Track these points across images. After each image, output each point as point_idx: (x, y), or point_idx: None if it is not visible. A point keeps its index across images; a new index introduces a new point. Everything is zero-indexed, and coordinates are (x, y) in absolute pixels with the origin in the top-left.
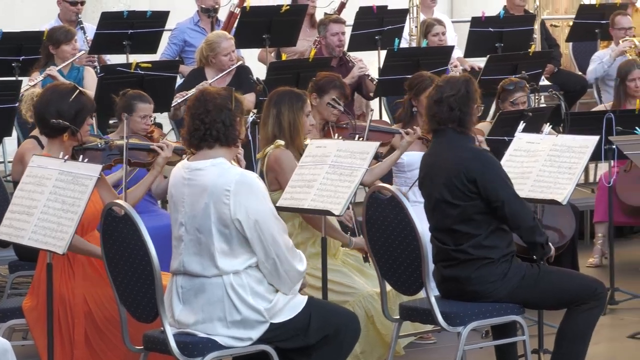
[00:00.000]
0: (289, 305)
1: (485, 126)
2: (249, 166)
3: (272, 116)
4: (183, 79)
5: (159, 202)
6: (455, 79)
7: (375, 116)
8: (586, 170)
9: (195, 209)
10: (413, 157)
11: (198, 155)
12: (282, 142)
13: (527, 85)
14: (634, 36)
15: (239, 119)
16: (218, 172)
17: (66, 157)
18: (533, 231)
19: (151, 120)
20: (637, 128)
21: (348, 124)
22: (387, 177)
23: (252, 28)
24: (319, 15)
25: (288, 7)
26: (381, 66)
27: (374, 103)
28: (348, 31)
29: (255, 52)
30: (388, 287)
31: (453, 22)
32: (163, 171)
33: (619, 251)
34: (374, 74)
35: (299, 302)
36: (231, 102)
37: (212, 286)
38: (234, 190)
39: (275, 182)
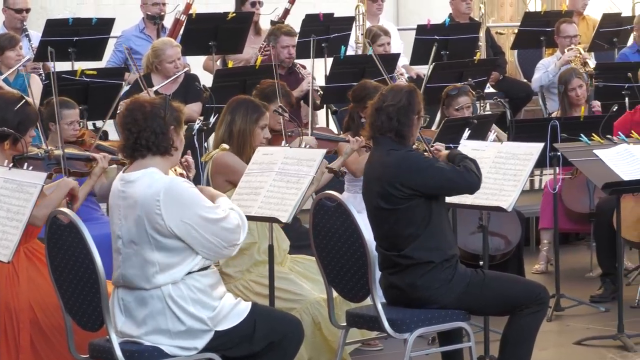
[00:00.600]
0: (233, 312)
1: (430, 135)
2: (196, 173)
3: (225, 123)
4: (129, 85)
5: (102, 208)
6: (399, 88)
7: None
8: (531, 176)
9: (130, 222)
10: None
11: (133, 165)
12: (226, 146)
13: (472, 92)
14: (579, 44)
15: (173, 127)
16: (148, 182)
17: (10, 165)
18: (479, 180)
19: (80, 125)
20: (582, 135)
21: (294, 131)
22: (340, 185)
23: (198, 35)
24: (263, 23)
25: (234, 14)
26: (328, 74)
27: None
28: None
29: (202, 59)
30: (335, 294)
31: (399, 29)
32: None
33: (564, 258)
34: (321, 82)
35: (243, 309)
36: (164, 111)
37: (152, 299)
38: (163, 200)
39: (225, 184)
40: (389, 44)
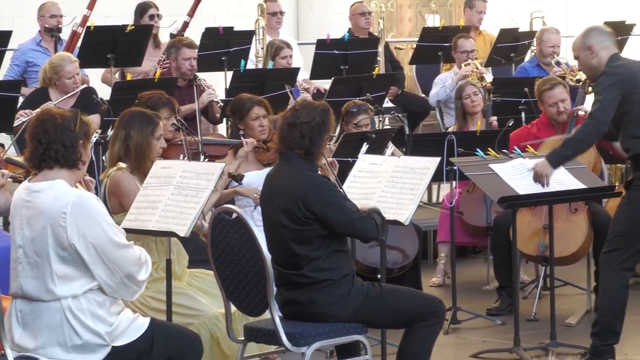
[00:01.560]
0: (131, 328)
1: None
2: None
3: (120, 138)
4: (25, 98)
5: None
6: (313, 106)
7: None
8: (429, 190)
9: (33, 232)
10: (251, 177)
11: (39, 176)
12: (123, 165)
13: (371, 107)
14: (476, 59)
15: (82, 141)
16: (55, 194)
17: None
18: (377, 233)
19: None
20: (478, 149)
21: (181, 140)
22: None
23: (97, 48)
24: (162, 36)
25: (133, 27)
26: (228, 87)
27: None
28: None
29: (100, 71)
30: (233, 308)
31: (299, 44)
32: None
33: (461, 271)
34: (221, 95)
35: (142, 324)
36: (74, 124)
37: (51, 310)
38: (70, 213)
39: (118, 205)
40: (291, 56)
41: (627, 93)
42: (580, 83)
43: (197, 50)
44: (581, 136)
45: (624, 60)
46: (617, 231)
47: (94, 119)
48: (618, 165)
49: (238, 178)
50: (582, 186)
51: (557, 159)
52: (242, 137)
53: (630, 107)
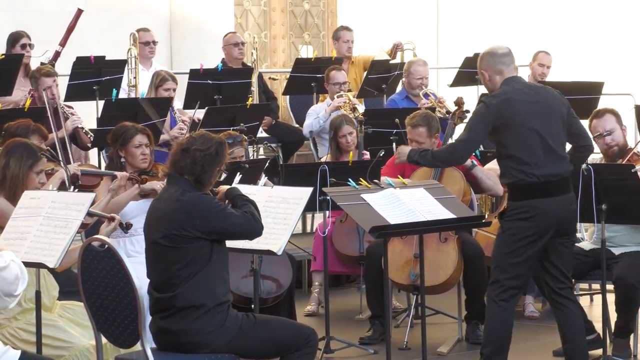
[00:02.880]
0: None
1: None
2: None
3: (0, 165)
4: None
5: None
6: (210, 137)
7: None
8: (303, 220)
9: None
10: (129, 207)
11: None
12: None
13: (245, 138)
14: (349, 90)
15: None
16: None
17: None
18: (259, 231)
19: None
20: (350, 180)
21: (52, 169)
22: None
23: None
24: (34, 65)
25: (3, 56)
26: (99, 116)
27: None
28: (65, 81)
29: None
30: (104, 340)
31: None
32: None
33: (335, 300)
34: (93, 125)
35: (12, 356)
36: None
37: None
38: None
39: None
40: (174, 90)
41: (504, 123)
42: (450, 114)
43: (56, 78)
44: (440, 155)
45: (511, 85)
46: (494, 263)
47: None
48: (488, 195)
49: (125, 226)
50: (452, 216)
51: (412, 157)
52: (122, 165)
53: (507, 136)
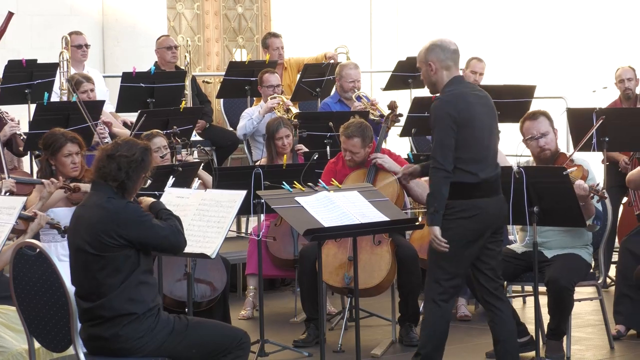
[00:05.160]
0: None
1: None
2: None
3: None
4: None
5: None
6: (135, 142)
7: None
8: (238, 223)
9: None
10: (58, 213)
11: None
12: None
13: (176, 137)
14: (282, 93)
15: None
16: None
17: None
18: (182, 246)
19: None
20: (284, 183)
21: None
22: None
23: None
24: None
25: None
26: (31, 120)
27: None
28: None
29: None
30: (37, 344)
31: (105, 77)
32: None
33: (270, 303)
34: (25, 128)
35: None
36: None
37: None
38: None
39: None
40: (92, 90)
41: (457, 123)
42: (384, 118)
43: None
44: (434, 190)
45: (460, 86)
46: (432, 262)
47: None
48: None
49: (63, 230)
50: (385, 218)
51: (430, 218)
52: (53, 173)
53: (458, 135)
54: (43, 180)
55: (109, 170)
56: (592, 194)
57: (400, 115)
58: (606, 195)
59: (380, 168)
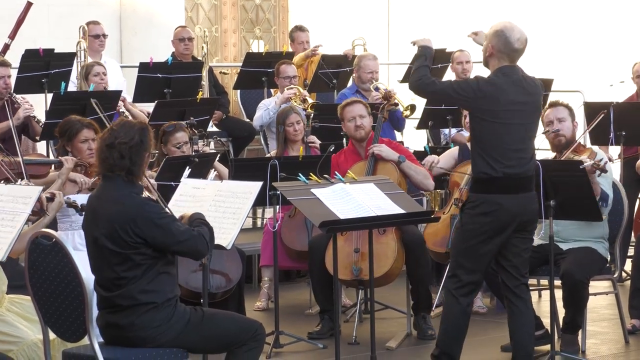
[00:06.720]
0: None
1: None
2: None
3: None
4: None
5: None
6: (130, 125)
7: None
8: (254, 214)
9: None
10: (81, 199)
11: None
12: None
13: (194, 128)
14: (306, 88)
15: None
16: None
17: None
18: (207, 249)
19: None
20: (300, 174)
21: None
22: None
23: None
24: None
25: None
26: (48, 109)
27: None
28: (14, 73)
29: None
30: (53, 335)
31: (122, 67)
32: None
33: (284, 295)
34: (42, 117)
35: None
36: None
37: None
38: None
39: None
40: (104, 73)
41: (484, 110)
42: (379, 108)
43: (10, 68)
44: (417, 75)
45: (508, 77)
46: (453, 256)
47: None
48: (437, 190)
49: (79, 208)
50: (401, 211)
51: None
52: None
53: (481, 127)
54: (60, 157)
55: (113, 161)
56: (595, 170)
57: (396, 104)
58: (606, 169)
59: (378, 158)
